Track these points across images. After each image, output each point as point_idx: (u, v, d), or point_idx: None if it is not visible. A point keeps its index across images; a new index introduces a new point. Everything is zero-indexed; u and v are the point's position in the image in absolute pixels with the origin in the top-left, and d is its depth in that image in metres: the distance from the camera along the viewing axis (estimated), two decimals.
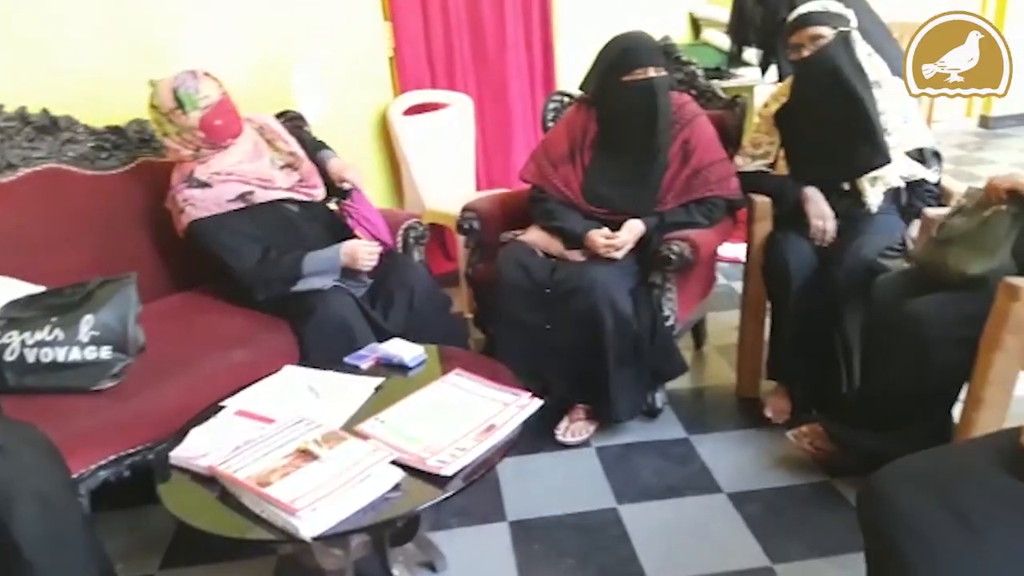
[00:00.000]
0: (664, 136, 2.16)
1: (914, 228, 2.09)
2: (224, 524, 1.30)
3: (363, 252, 2.05)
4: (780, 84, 2.31)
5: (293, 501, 1.23)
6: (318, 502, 1.24)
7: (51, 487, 1.45)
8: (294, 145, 2.23)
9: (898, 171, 2.10)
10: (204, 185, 2.04)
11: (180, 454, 1.46)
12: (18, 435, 1.43)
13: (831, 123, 2.08)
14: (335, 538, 1.27)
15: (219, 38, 2.59)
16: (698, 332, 2.69)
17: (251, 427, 1.50)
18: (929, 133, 2.19)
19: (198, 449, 1.45)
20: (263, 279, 2.02)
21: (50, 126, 2.17)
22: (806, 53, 2.08)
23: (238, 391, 1.68)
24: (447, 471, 1.33)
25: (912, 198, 2.15)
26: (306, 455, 1.36)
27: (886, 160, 2.05)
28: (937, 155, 2.17)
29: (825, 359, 2.12)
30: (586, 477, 2.07)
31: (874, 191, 2.09)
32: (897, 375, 1.75)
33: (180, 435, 1.51)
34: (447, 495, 1.30)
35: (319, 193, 2.21)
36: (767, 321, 2.29)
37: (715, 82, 2.54)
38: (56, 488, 1.46)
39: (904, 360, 1.72)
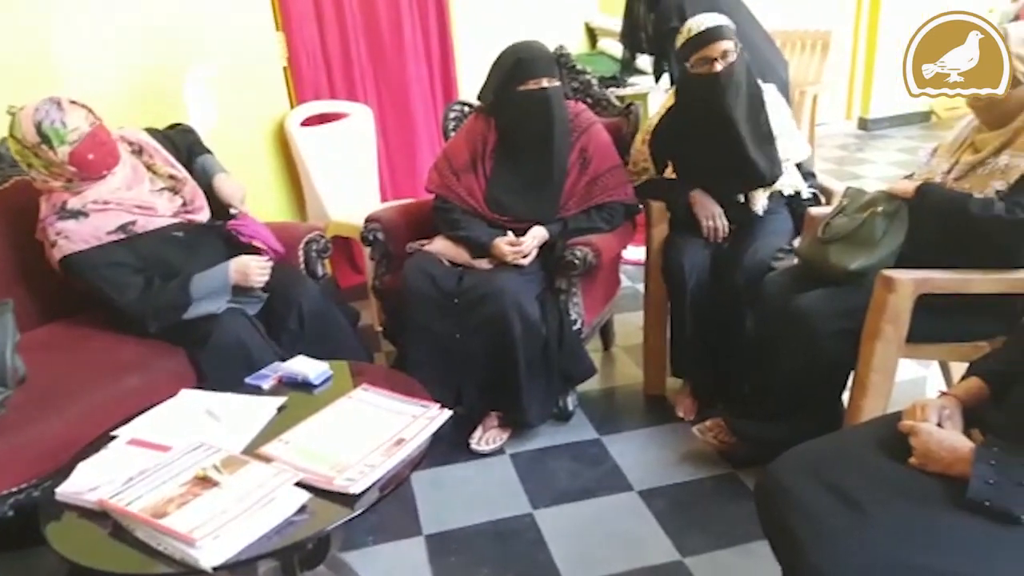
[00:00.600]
0: (561, 144, 2.19)
1: None
2: (118, 561, 1.23)
3: (254, 267, 1.96)
4: (670, 94, 2.37)
5: (191, 531, 1.18)
6: (219, 530, 1.19)
7: None
8: (174, 164, 2.09)
9: (786, 180, 2.21)
10: (79, 215, 1.89)
11: (67, 489, 1.37)
12: None
13: (734, 136, 2.11)
14: (239, 566, 1.22)
15: (103, 50, 2.46)
16: (605, 333, 2.75)
17: (145, 456, 1.43)
18: (805, 147, 2.30)
19: (87, 483, 1.36)
20: (151, 309, 1.90)
21: None
22: (719, 67, 2.07)
23: (131, 419, 1.59)
24: (355, 489, 1.30)
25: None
26: (205, 482, 1.31)
27: (780, 172, 2.16)
28: (812, 174, 2.28)
29: (725, 355, 2.21)
30: (501, 484, 2.07)
31: (762, 197, 2.20)
32: (787, 367, 1.84)
33: (67, 469, 1.42)
34: (356, 514, 1.27)
35: (204, 216, 2.08)
36: (669, 321, 2.36)
37: (610, 90, 2.61)
38: None
39: (793, 352, 1.81)
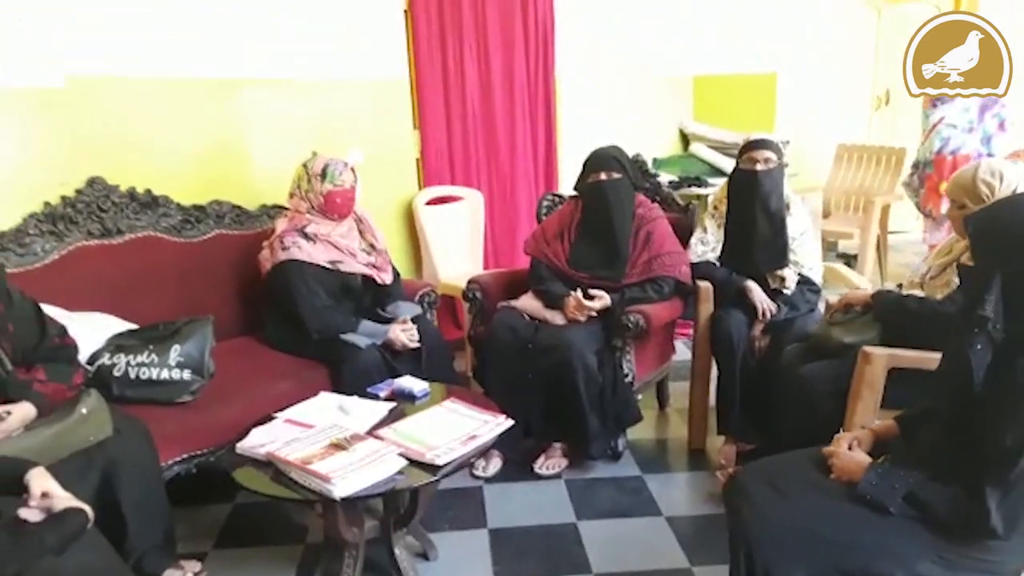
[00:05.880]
0: (621, 222, 2.75)
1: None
2: (279, 491, 1.82)
3: (403, 336, 2.62)
4: (720, 188, 2.90)
5: (328, 473, 1.75)
6: (347, 474, 1.75)
7: (147, 462, 1.98)
8: (377, 239, 2.81)
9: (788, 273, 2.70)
10: (312, 238, 2.62)
11: (244, 445, 1.97)
12: (128, 424, 1.97)
13: (756, 227, 2.69)
14: (358, 501, 1.78)
15: (284, 138, 3.20)
16: (661, 395, 3.20)
17: (296, 430, 2.02)
18: (816, 258, 2.78)
19: (258, 442, 1.97)
20: (322, 321, 2.55)
21: (150, 202, 2.76)
22: (759, 167, 2.68)
23: (284, 410, 2.20)
24: (439, 462, 1.85)
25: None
26: (337, 447, 1.88)
27: (784, 263, 2.67)
28: (813, 287, 2.72)
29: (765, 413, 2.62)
30: (554, 500, 2.55)
31: (791, 280, 2.66)
32: (793, 421, 2.25)
33: (243, 433, 2.03)
34: (437, 478, 1.83)
35: (387, 278, 2.78)
36: (713, 386, 2.79)
37: (679, 191, 3.13)
38: (150, 464, 2.00)
39: (798, 409, 2.24)
